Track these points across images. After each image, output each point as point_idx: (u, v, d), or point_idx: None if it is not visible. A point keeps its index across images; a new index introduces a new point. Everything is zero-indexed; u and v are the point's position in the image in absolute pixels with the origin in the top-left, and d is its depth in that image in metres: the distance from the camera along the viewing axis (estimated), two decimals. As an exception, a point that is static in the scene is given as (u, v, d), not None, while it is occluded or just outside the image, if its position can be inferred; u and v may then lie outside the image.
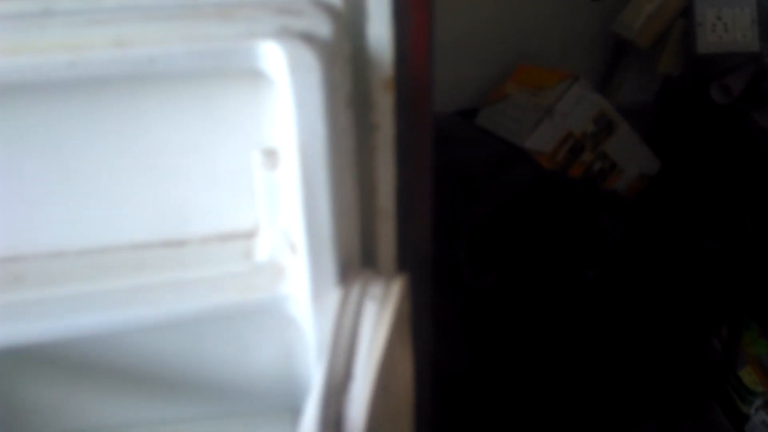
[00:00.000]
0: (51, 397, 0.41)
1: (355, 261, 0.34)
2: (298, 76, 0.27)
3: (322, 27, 0.27)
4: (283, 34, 0.26)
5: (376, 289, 0.31)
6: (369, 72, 0.30)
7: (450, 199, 1.16)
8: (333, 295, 0.31)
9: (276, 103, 0.30)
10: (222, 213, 0.32)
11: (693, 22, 1.05)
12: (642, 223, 1.05)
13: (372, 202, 0.33)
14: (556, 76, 1.07)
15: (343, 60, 0.28)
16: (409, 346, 0.39)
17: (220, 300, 0.30)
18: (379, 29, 0.29)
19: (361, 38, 0.29)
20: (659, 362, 1.08)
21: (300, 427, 0.27)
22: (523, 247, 1.06)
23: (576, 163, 1.08)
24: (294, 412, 0.44)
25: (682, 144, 1.20)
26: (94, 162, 0.30)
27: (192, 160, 0.31)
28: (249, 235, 0.33)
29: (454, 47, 1.15)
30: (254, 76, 0.29)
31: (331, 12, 0.28)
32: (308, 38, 0.27)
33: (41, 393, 0.41)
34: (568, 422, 1.09)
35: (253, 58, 0.26)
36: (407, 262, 0.37)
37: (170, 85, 0.28)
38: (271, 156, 0.30)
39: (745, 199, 1.11)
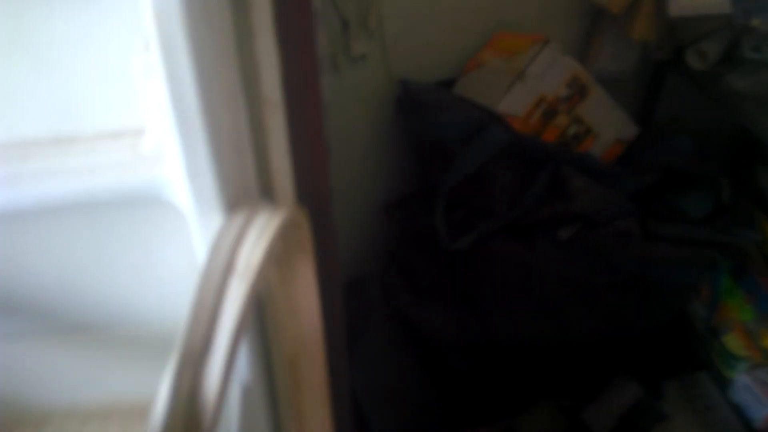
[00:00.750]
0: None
1: (245, 160, 0.36)
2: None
3: None
4: None
5: (257, 234, 0.31)
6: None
7: (427, 166, 1.17)
8: (216, 208, 0.32)
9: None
10: (112, 109, 0.35)
11: (665, -16, 1.05)
12: (617, 184, 1.06)
13: (257, 92, 0.35)
14: (529, 41, 1.08)
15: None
16: (311, 274, 0.40)
17: (103, 183, 0.33)
18: None
19: None
20: (641, 324, 1.08)
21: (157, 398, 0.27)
22: (498, 210, 1.07)
23: (550, 127, 1.09)
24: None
25: (660, 110, 1.20)
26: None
27: (81, 53, 0.33)
28: (138, 132, 0.35)
29: (431, 19, 1.17)
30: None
31: None
32: None
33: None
34: (552, 381, 1.10)
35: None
36: (300, 156, 0.39)
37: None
38: (147, 43, 0.32)
39: (721, 161, 1.11)
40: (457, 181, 1.08)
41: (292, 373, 0.42)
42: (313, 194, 0.41)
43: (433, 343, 1.13)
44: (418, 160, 1.19)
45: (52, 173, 0.32)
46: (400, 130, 1.22)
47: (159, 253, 0.42)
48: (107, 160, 0.33)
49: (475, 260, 1.09)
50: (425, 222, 1.14)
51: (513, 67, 1.07)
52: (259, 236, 0.33)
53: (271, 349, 0.43)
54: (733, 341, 1.18)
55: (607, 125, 1.11)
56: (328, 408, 0.43)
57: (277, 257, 0.39)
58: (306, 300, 0.40)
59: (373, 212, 1.28)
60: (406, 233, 1.25)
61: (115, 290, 0.43)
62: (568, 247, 1.03)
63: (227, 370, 0.28)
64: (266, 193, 0.40)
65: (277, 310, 0.40)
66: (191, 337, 0.28)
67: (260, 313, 0.41)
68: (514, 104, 1.06)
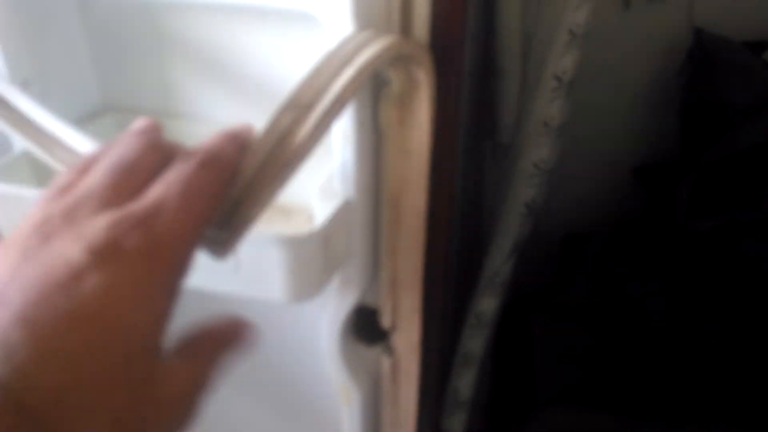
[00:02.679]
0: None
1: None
2: None
3: None
4: None
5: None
6: None
7: (697, 132, 1.03)
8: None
9: None
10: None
11: None
12: None
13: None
14: None
15: None
16: (427, 119, 0.41)
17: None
18: None
19: None
20: None
21: None
22: (763, 202, 0.91)
23: None
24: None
25: None
26: None
27: None
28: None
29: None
30: None
31: None
32: None
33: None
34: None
35: None
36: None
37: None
38: None
39: None
40: (723, 154, 0.94)
41: (392, 209, 0.45)
42: (445, 43, 0.42)
43: (641, 324, 1.03)
44: (690, 123, 1.06)
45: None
46: (680, 88, 1.09)
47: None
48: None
49: (717, 253, 0.95)
50: (673, 195, 1.02)
51: None
52: (382, 43, 0.35)
53: (380, 183, 0.46)
54: None
55: None
56: (422, 254, 0.45)
57: (399, 96, 0.42)
58: (417, 143, 0.42)
59: (618, 169, 1.19)
60: (649, 202, 1.13)
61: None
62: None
63: (323, 123, 0.31)
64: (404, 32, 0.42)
65: (391, 148, 0.43)
66: (298, 93, 0.32)
67: (377, 148, 0.44)
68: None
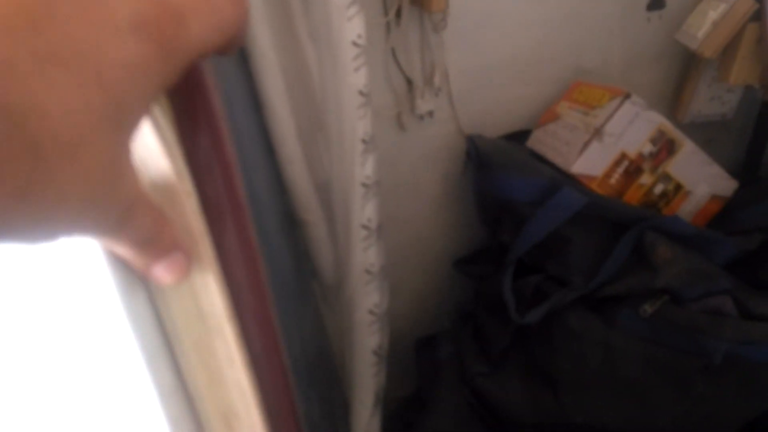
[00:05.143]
0: None
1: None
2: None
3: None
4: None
5: None
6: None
7: (496, 227, 1.11)
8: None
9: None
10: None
11: (766, 24, 0.93)
12: (710, 250, 0.94)
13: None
14: (608, 94, 1.00)
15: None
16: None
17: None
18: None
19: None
20: (738, 413, 0.95)
21: None
22: (575, 279, 0.99)
23: (633, 187, 1.00)
24: None
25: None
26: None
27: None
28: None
29: (503, 72, 1.12)
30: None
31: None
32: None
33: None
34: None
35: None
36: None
37: None
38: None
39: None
40: (526, 248, 1.02)
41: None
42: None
43: (503, 418, 1.06)
44: (487, 219, 1.13)
45: None
46: (468, 188, 1.17)
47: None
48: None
49: (550, 333, 1.02)
50: (497, 283, 1.08)
51: (590, 123, 0.99)
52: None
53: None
54: None
55: (701, 181, 1.00)
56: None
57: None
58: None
59: (443, 267, 1.24)
60: (479, 292, 1.19)
61: None
62: (652, 324, 0.93)
63: None
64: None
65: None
66: None
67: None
68: (591, 164, 0.98)
